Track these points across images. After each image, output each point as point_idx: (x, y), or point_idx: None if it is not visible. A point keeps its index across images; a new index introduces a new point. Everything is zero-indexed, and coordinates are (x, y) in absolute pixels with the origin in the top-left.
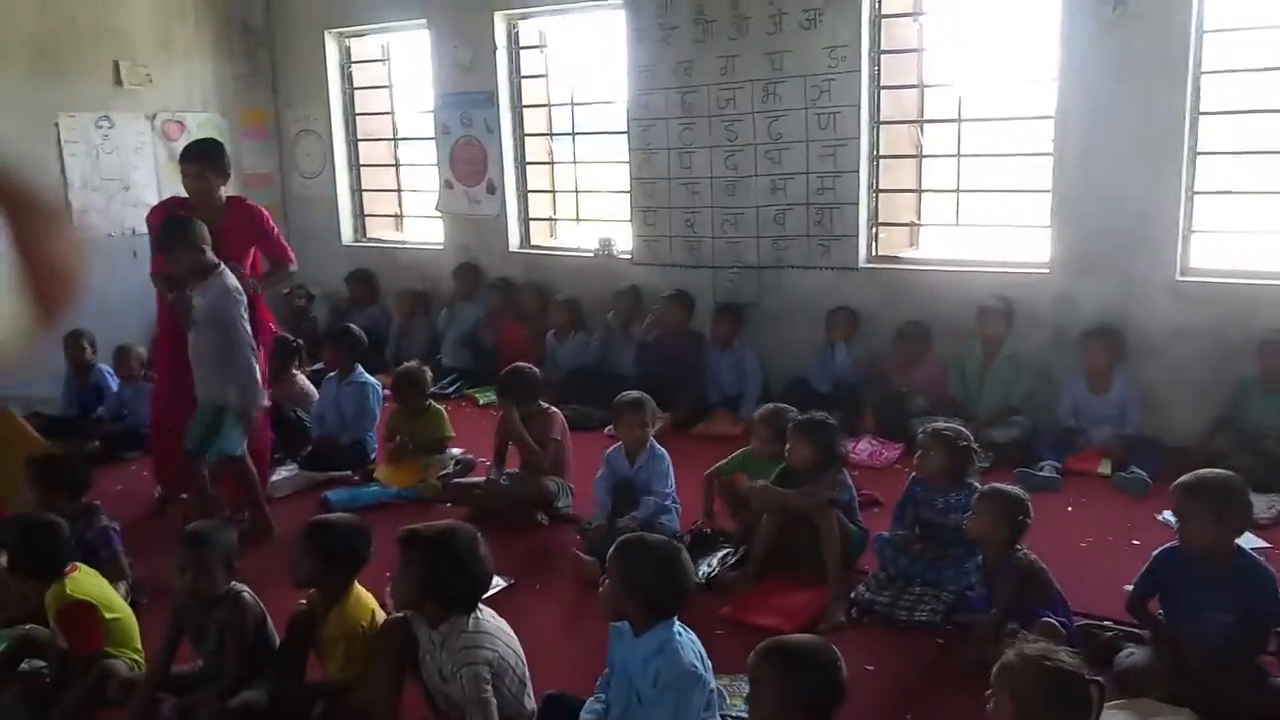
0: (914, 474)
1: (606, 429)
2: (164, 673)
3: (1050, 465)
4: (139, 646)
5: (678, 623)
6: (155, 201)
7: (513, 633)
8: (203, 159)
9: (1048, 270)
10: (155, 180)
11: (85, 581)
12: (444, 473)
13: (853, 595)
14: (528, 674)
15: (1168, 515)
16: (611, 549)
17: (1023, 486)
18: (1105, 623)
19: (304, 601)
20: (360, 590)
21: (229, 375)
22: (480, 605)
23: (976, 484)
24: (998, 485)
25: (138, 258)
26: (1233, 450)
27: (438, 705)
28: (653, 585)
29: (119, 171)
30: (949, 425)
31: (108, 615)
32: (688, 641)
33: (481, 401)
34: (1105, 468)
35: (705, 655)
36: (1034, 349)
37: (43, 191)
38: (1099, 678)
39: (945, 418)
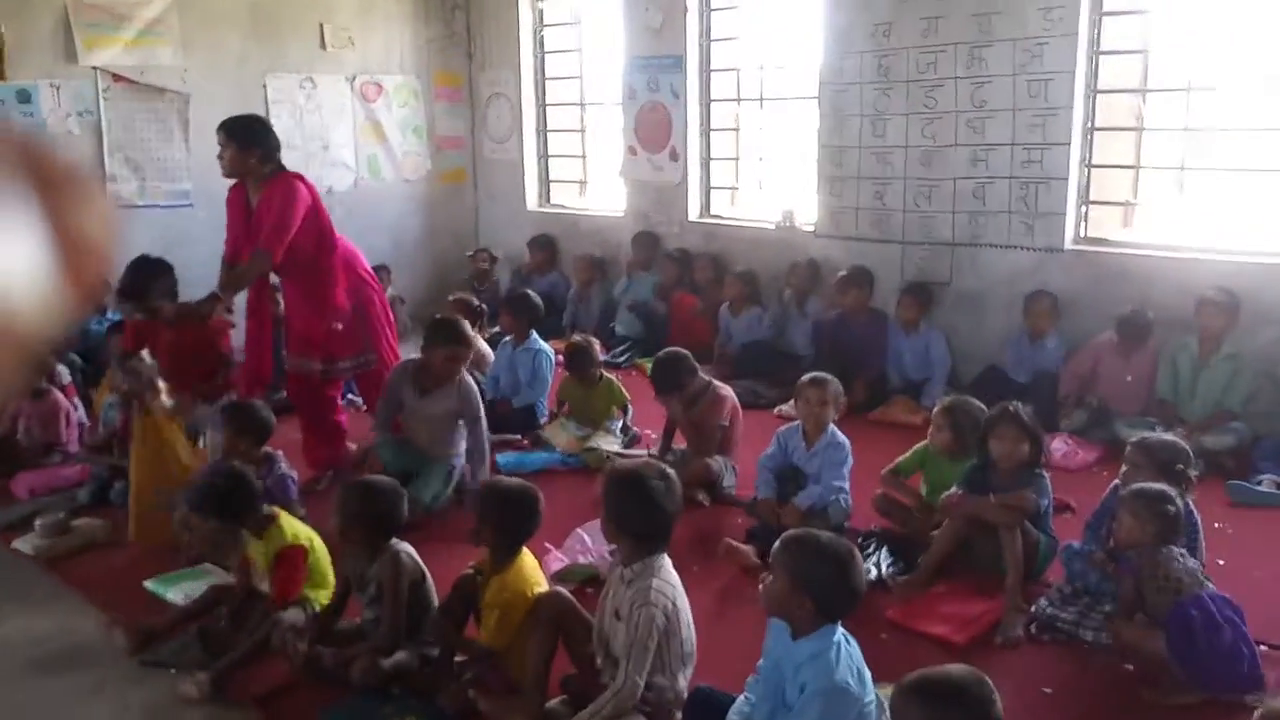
0: (1116, 482)
1: (776, 409)
2: (330, 623)
3: (1270, 479)
4: (332, 584)
5: (841, 629)
6: (353, 160)
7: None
8: (225, 130)
9: None
10: (353, 140)
11: (294, 524)
12: (603, 444)
13: (1033, 609)
14: (694, 653)
15: None
16: (778, 544)
17: (1236, 500)
18: None
19: (473, 564)
20: (527, 561)
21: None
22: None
23: (1189, 501)
24: (1134, 485)
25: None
26: None
27: (594, 660)
28: (825, 587)
29: (319, 131)
30: (1164, 441)
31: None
32: (845, 653)
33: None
34: None
35: (864, 669)
36: (1260, 347)
37: (73, 163)
38: None
39: (1156, 421)
